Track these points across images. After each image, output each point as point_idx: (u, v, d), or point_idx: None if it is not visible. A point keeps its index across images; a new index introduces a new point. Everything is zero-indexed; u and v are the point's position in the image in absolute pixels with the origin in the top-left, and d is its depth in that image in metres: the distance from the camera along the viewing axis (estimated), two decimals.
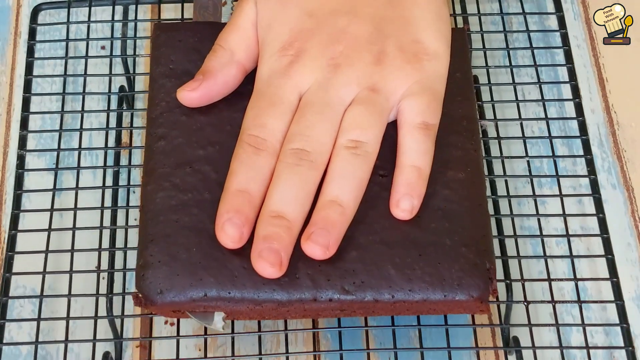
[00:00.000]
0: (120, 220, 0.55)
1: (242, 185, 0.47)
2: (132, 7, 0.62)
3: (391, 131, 0.51)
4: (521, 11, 0.62)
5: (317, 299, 0.47)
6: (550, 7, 0.63)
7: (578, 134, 0.58)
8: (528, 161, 0.57)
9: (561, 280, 0.54)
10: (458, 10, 0.62)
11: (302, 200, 0.47)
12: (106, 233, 0.54)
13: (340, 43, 0.50)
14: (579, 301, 0.52)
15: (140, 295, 0.48)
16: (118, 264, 0.54)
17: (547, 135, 0.58)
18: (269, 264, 0.46)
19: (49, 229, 0.54)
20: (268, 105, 0.49)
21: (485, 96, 0.60)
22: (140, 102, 0.62)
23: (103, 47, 0.64)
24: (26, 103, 0.58)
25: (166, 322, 0.54)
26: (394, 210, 0.48)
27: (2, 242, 0.57)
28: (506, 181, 0.57)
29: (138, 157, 0.60)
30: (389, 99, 0.49)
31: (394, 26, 0.50)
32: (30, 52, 0.60)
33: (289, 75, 0.49)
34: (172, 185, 0.50)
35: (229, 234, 0.46)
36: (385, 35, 0.50)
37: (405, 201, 0.48)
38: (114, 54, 0.60)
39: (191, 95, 0.51)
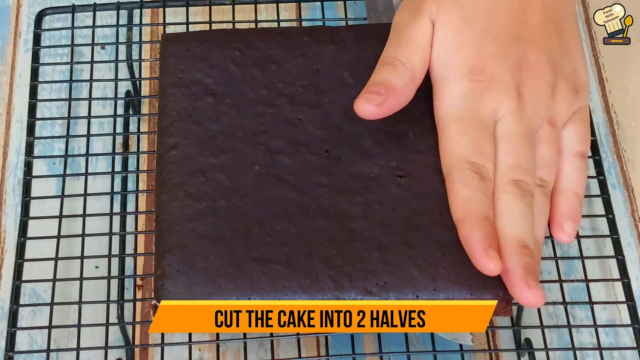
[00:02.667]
0: (130, 226, 0.55)
1: (485, 212, 0.48)
2: (136, 12, 0.61)
3: (409, 132, 0.51)
4: None
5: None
6: None
7: None
8: None
9: (572, 281, 0.55)
10: None
11: (533, 229, 0.48)
12: (115, 239, 0.54)
13: (523, 71, 0.50)
14: (591, 302, 0.52)
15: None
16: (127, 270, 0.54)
17: None
18: (540, 293, 0.46)
19: (58, 236, 0.54)
20: (478, 131, 0.49)
21: None
22: (146, 106, 0.62)
23: (103, 47, 0.64)
24: (32, 109, 0.58)
25: None
26: (558, 233, 0.50)
27: (2, 242, 0.57)
28: None
29: (145, 162, 0.60)
30: (559, 132, 0.51)
31: (559, 56, 0.51)
32: (36, 57, 0.60)
33: (485, 102, 0.49)
34: (187, 194, 0.50)
35: (495, 260, 0.46)
36: (555, 66, 0.51)
37: (569, 225, 0.50)
38: (119, 59, 0.60)
39: (374, 109, 0.50)
